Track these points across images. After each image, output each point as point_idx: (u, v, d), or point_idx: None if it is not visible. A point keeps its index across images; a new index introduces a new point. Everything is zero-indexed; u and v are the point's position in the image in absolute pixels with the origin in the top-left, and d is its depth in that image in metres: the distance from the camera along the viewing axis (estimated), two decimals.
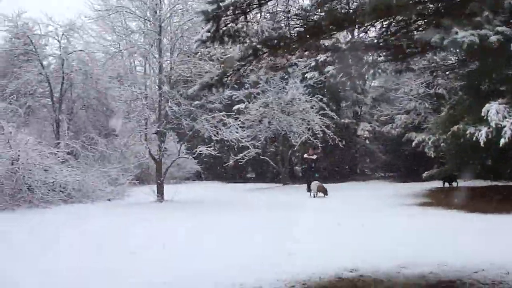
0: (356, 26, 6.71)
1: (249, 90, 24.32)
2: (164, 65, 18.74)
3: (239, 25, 5.99)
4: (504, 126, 14.04)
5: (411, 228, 11.41)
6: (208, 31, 5.82)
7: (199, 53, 19.45)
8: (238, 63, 6.72)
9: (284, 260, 8.15)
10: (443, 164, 24.46)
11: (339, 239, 10.07)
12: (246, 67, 6.88)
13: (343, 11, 6.52)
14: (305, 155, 22.76)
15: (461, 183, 21.79)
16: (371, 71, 7.94)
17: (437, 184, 22.31)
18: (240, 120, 21.20)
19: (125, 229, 12.32)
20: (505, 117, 14.33)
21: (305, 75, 26.99)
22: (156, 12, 18.06)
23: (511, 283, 6.84)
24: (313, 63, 28.26)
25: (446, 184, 21.82)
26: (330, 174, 29.13)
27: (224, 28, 5.82)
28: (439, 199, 17.76)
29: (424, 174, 22.51)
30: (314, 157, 22.68)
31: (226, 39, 5.98)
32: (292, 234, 10.77)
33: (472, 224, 11.93)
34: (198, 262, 8.37)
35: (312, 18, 6.57)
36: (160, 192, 18.69)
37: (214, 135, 18.64)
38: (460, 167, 18.59)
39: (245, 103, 25.81)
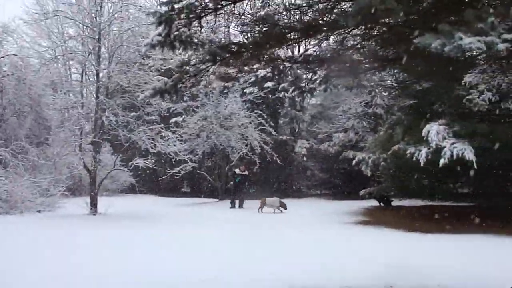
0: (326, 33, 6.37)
1: (188, 103, 23.93)
2: (101, 74, 18.09)
3: (192, 31, 5.71)
4: (444, 147, 14.20)
5: (351, 246, 11.34)
6: (159, 35, 5.49)
7: (138, 63, 18.95)
8: (194, 68, 6.40)
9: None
10: (379, 183, 24.76)
11: (284, 256, 9.82)
12: (202, 73, 6.55)
13: (311, 17, 6.18)
14: (237, 171, 22.40)
15: (397, 202, 22.07)
16: (323, 86, 7.71)
17: (374, 202, 22.52)
18: (178, 134, 20.76)
19: (56, 242, 11.66)
20: (445, 138, 14.48)
21: (244, 90, 26.87)
22: (96, 19, 17.46)
23: None
24: (252, 78, 28.21)
25: (382, 204, 22.04)
26: (266, 190, 29.06)
27: (176, 33, 5.51)
28: (377, 218, 17.90)
29: (361, 192, 22.61)
30: (246, 173, 22.44)
31: (177, 44, 5.66)
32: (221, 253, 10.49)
33: (412, 244, 11.98)
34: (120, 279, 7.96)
35: (279, 24, 6.24)
36: (94, 204, 18.00)
37: (151, 148, 18.12)
38: (397, 186, 18.73)
39: (183, 116, 25.43)
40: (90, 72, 18.61)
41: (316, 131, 31.18)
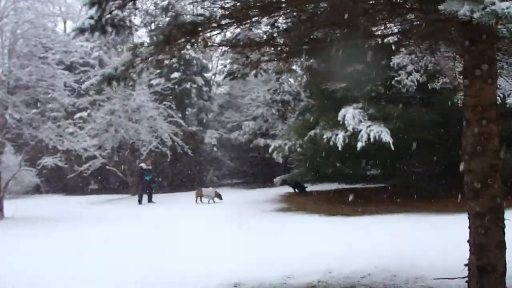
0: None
1: (94, 97, 22.99)
2: (1, 69, 16.91)
3: (126, 13, 5.27)
4: (361, 130, 14.38)
5: (283, 235, 11.19)
6: (91, 18, 5.02)
7: (38, 57, 17.93)
8: (146, 51, 5.91)
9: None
10: (292, 170, 24.94)
11: (216, 252, 9.52)
12: (154, 56, 6.08)
13: None
14: (143, 165, 21.65)
15: (310, 187, 22.25)
16: (254, 71, 7.44)
17: (288, 189, 22.57)
18: (85, 129, 19.87)
19: None
20: (361, 121, 14.70)
21: (151, 81, 26.24)
22: None
23: (402, 285, 6.75)
24: (158, 70, 27.62)
25: (297, 190, 22.14)
26: (178, 183, 28.63)
27: (109, 16, 5.06)
28: (297, 204, 17.93)
29: (276, 179, 22.62)
30: (150, 167, 21.77)
31: (109, 28, 5.22)
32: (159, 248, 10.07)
33: (340, 228, 11.99)
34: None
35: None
36: (0, 208, 16.91)
37: (60, 145, 17.19)
38: (312, 171, 18.82)
39: (88, 111, 24.50)
40: None
41: (225, 120, 30.97)
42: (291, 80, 28.42)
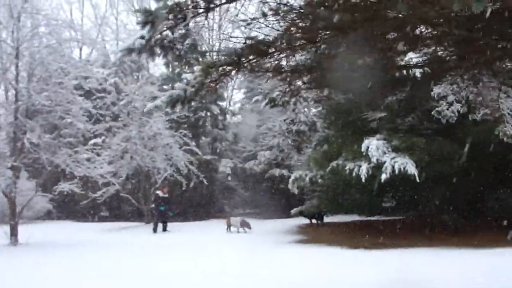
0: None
1: (110, 124, 22.83)
2: (20, 93, 16.74)
3: (176, 35, 5.06)
4: (385, 162, 14.10)
5: (307, 269, 10.82)
6: (142, 38, 4.80)
7: (56, 82, 17.84)
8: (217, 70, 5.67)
9: None
10: (305, 201, 24.69)
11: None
12: (223, 77, 5.84)
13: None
14: (159, 193, 21.28)
15: (326, 219, 21.94)
16: (293, 99, 7.22)
17: (302, 220, 22.25)
18: (100, 155, 19.60)
19: None
20: (385, 153, 14.43)
21: (166, 109, 26.11)
22: (13, 33, 16.27)
23: None
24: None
25: (314, 221, 21.81)
26: (190, 212, 28.32)
27: (158, 37, 4.86)
28: (314, 235, 17.62)
29: (293, 211, 22.32)
30: (167, 195, 21.41)
31: (157, 50, 5.01)
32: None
33: (370, 260, 11.66)
34: None
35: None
36: (14, 234, 16.61)
37: (77, 171, 16.95)
38: (333, 203, 18.57)
39: (103, 138, 24.33)
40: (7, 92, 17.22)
41: (241, 149, 30.81)
42: (307, 110, 28.31)
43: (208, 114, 30.17)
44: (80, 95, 18.04)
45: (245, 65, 5.68)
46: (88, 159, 17.57)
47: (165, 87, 29.32)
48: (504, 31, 4.78)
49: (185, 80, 29.49)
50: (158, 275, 10.18)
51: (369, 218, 21.38)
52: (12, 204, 16.80)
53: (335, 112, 18.95)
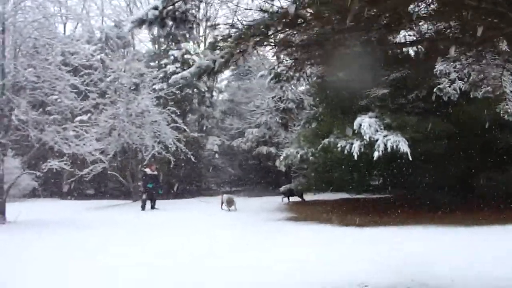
0: None
1: (97, 100, 22.48)
2: (7, 69, 16.35)
3: (188, 5, 4.91)
4: (377, 140, 14.08)
5: (298, 247, 10.76)
6: (156, 8, 4.64)
7: (44, 58, 17.52)
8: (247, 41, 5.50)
9: None
10: (292, 178, 24.75)
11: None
12: (252, 48, 5.68)
13: None
14: (147, 170, 21.01)
15: (314, 196, 22.00)
16: (297, 74, 7.10)
17: (292, 198, 22.24)
18: (89, 132, 19.28)
19: None
20: (377, 131, 14.41)
21: (154, 86, 25.86)
22: None
23: None
24: (161, 74, 27.41)
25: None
26: (178, 190, 28.27)
27: (170, 8, 4.70)
28: (303, 213, 17.58)
29: (281, 188, 22.28)
30: (155, 172, 21.26)
31: (168, 22, 4.86)
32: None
33: (358, 239, 11.63)
34: None
35: None
36: (2, 212, 16.37)
37: (66, 149, 16.69)
38: (322, 180, 18.57)
39: (89, 115, 24.06)
40: None
41: (228, 127, 30.67)
42: (294, 88, 28.22)
43: (195, 91, 29.97)
44: (68, 72, 17.69)
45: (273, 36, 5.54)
46: (76, 136, 17.31)
47: (151, 63, 29.02)
48: None
49: (172, 57, 29.31)
50: (147, 254, 10.07)
51: (357, 196, 21.41)
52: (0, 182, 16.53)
53: (325, 90, 18.89)
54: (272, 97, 27.79)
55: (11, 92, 16.12)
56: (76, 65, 18.18)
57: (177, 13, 4.81)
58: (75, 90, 17.74)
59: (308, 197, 22.32)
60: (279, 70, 7.66)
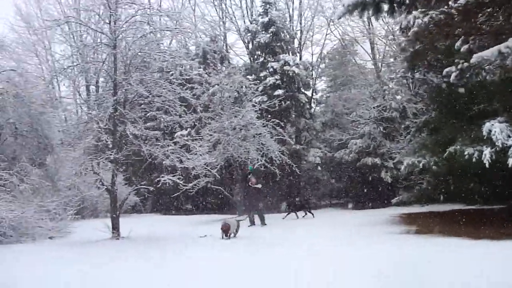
0: None
1: (200, 115, 22.32)
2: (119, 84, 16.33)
3: None
4: (510, 146, 13.00)
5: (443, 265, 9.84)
6: None
7: (155, 72, 17.58)
8: None
9: None
10: (397, 190, 23.89)
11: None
12: None
13: None
14: (250, 184, 20.36)
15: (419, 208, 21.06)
16: None
17: (397, 210, 21.32)
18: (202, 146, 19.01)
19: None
20: (509, 136, 13.32)
21: (253, 99, 25.57)
22: (109, 23, 15.88)
23: None
24: (261, 87, 27.17)
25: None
26: (275, 204, 27.83)
27: None
28: (422, 225, 16.68)
29: (394, 200, 21.41)
30: (259, 185, 20.47)
31: (384, 6, 4.28)
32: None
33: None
34: None
35: None
36: (116, 227, 16.32)
37: (178, 163, 16.44)
38: (445, 191, 17.62)
39: (188, 129, 24.02)
40: (105, 83, 17.00)
41: (330, 138, 29.98)
42: (398, 97, 27.28)
43: (294, 103, 29.53)
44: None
45: None
46: (188, 150, 17.11)
47: (249, 77, 28.80)
48: None
49: (271, 69, 28.99)
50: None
51: (467, 207, 20.32)
52: (113, 198, 16.49)
53: (439, 95, 18.01)
54: (374, 107, 26.96)
55: (123, 107, 16.10)
56: (180, 81, 18.00)
57: None
58: (184, 104, 17.58)
59: (415, 209, 21.41)
60: None
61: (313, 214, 22.25)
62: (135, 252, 13.13)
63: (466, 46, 14.32)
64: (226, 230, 15.44)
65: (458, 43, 14.64)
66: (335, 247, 12.78)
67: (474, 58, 12.65)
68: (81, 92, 20.00)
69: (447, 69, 15.09)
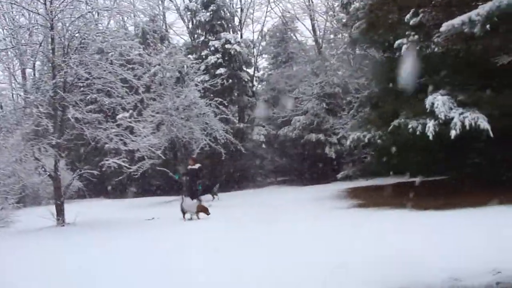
0: None
1: (142, 96, 21.89)
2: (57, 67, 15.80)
3: None
4: (453, 118, 13.28)
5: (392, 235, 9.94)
6: None
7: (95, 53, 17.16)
8: None
9: None
10: (341, 165, 24.19)
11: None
12: None
13: None
14: (188, 166, 19.78)
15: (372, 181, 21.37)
16: None
17: (343, 185, 21.59)
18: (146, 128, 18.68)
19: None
20: (451, 108, 13.59)
21: (195, 78, 25.32)
22: (45, 3, 15.34)
23: None
24: (202, 66, 26.93)
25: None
26: (224, 182, 27.70)
27: None
28: (368, 199, 16.94)
29: (339, 175, 21.66)
30: (197, 166, 19.73)
31: None
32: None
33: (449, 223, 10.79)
34: None
35: None
36: (61, 214, 15.95)
37: (122, 146, 16.14)
38: (384, 164, 17.82)
39: (130, 111, 23.56)
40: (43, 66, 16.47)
41: (273, 116, 29.93)
42: (339, 73, 27.56)
43: (236, 81, 29.41)
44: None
45: None
46: (131, 132, 16.83)
47: (190, 56, 28.49)
48: None
49: (212, 48, 28.74)
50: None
51: (411, 179, 20.69)
52: (57, 183, 16.11)
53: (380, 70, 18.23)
54: (317, 83, 27.12)
55: (63, 91, 15.66)
56: (121, 62, 17.62)
57: None
58: (126, 85, 17.23)
59: (360, 183, 21.74)
60: None
61: (215, 197, 22.11)
62: (81, 238, 12.88)
63: (416, 19, 14.65)
64: (184, 212, 15.65)
65: (408, 16, 14.93)
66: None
67: (444, 27, 12.88)
68: (17, 77, 19.10)
69: (398, 41, 15.34)
